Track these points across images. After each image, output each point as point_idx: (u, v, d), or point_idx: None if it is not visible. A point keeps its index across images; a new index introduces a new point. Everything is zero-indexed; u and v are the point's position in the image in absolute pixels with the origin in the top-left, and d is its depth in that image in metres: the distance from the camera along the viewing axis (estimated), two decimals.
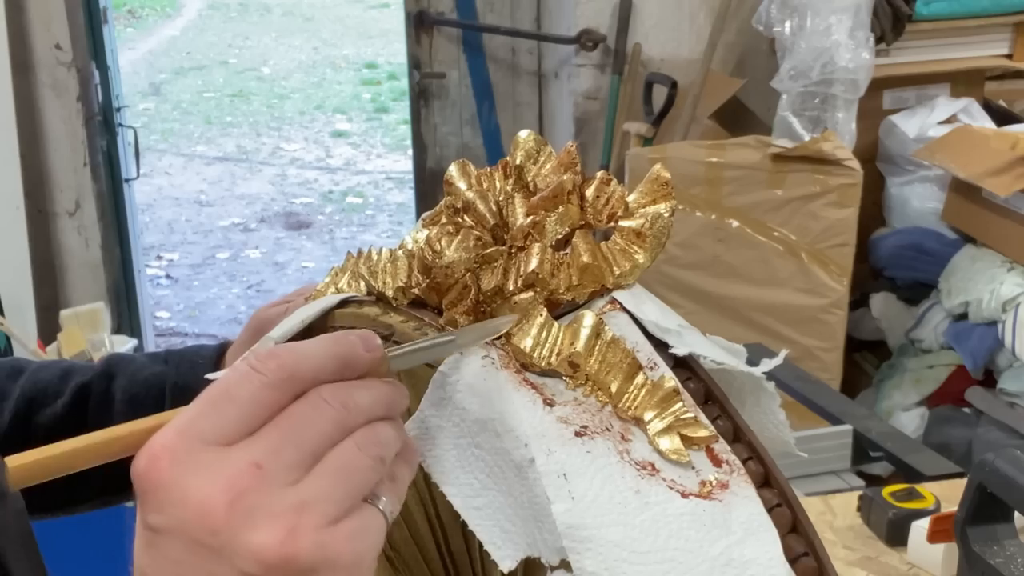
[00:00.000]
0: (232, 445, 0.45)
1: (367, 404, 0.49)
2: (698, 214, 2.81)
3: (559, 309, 0.55)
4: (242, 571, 0.44)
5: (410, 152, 3.90)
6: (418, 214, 3.56)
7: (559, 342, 0.52)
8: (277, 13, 11.11)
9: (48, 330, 3.06)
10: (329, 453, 0.47)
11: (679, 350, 0.54)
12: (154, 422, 0.48)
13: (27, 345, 2.77)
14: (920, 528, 1.21)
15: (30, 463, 0.47)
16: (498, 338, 0.54)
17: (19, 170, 3.07)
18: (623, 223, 0.57)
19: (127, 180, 3.53)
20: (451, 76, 3.53)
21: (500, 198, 0.57)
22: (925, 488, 1.31)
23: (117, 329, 3.33)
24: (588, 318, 0.53)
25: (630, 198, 0.57)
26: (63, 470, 0.48)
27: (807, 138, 2.77)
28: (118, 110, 3.48)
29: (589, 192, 0.57)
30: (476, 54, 3.51)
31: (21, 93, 3.08)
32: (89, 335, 2.89)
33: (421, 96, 3.56)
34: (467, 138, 3.60)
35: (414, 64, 3.53)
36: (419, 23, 3.47)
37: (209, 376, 0.51)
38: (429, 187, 3.64)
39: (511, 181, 0.58)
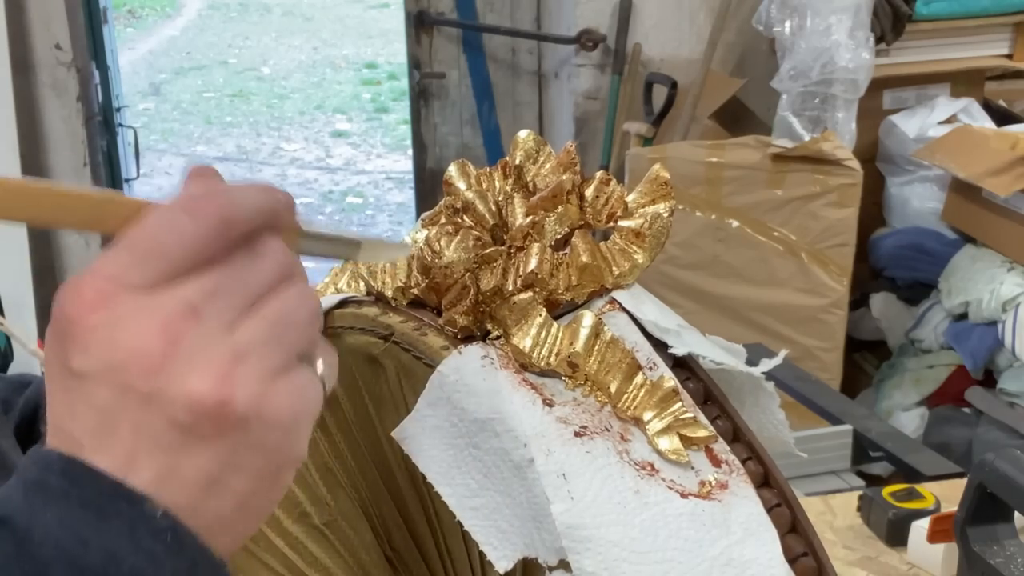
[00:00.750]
0: (163, 288, 0.42)
1: (299, 264, 0.47)
2: (698, 214, 2.81)
3: (558, 309, 0.55)
4: (173, 418, 0.42)
5: (410, 152, 3.90)
6: (418, 214, 3.56)
7: (558, 342, 0.52)
8: (277, 13, 11.11)
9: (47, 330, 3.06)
10: (265, 303, 0.44)
11: (678, 350, 0.54)
12: (126, 206, 0.44)
13: (27, 345, 2.76)
14: (920, 528, 1.21)
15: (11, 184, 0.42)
16: (497, 338, 0.54)
17: (19, 170, 3.07)
18: (622, 223, 0.57)
19: (127, 180, 3.53)
20: (451, 76, 3.53)
21: (499, 198, 0.57)
22: (925, 488, 1.31)
23: None
24: (587, 318, 0.53)
25: (629, 198, 0.57)
26: (34, 212, 0.43)
27: (807, 138, 2.77)
28: (118, 110, 3.48)
29: (588, 192, 0.57)
30: (476, 54, 3.51)
31: (21, 93, 3.08)
32: None
33: (421, 96, 3.56)
34: (467, 138, 3.60)
35: (414, 64, 3.53)
36: (419, 23, 3.47)
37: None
38: (429, 187, 3.64)
39: (510, 181, 0.58)
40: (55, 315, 0.43)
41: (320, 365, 0.46)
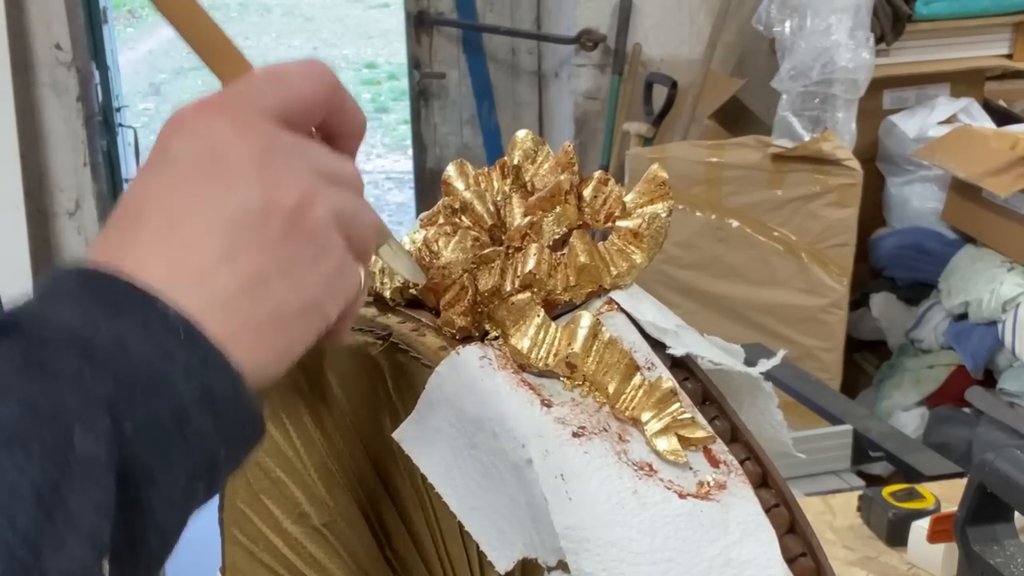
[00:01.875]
0: (278, 122, 0.46)
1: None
2: (698, 214, 2.81)
3: (557, 310, 0.55)
4: (247, 206, 0.44)
5: (410, 152, 3.90)
6: (418, 214, 3.55)
7: (556, 343, 0.52)
8: (277, 13, 11.11)
9: None
10: (346, 188, 0.48)
11: (676, 350, 0.54)
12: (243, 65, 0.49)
13: None
14: (920, 528, 1.21)
15: None
16: (495, 339, 0.54)
17: (19, 170, 3.07)
18: (620, 223, 0.57)
19: (127, 180, 3.53)
20: (451, 76, 3.52)
21: (498, 198, 0.57)
22: (925, 488, 1.31)
23: None
24: (585, 319, 0.53)
25: (627, 198, 0.57)
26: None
27: (807, 138, 2.77)
28: (118, 110, 3.48)
29: (587, 192, 0.57)
30: (476, 54, 3.51)
31: (21, 93, 3.08)
32: None
33: (421, 96, 3.56)
34: (467, 138, 3.60)
35: (414, 64, 3.53)
36: (419, 23, 3.47)
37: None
38: (429, 187, 3.64)
39: (509, 181, 0.58)
40: (180, 109, 0.46)
41: (363, 273, 0.49)
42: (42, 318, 0.40)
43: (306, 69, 0.48)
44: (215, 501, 0.63)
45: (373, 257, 0.58)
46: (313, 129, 0.50)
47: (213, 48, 0.48)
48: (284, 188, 0.44)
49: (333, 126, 0.49)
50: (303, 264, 0.44)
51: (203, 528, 0.63)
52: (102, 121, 3.37)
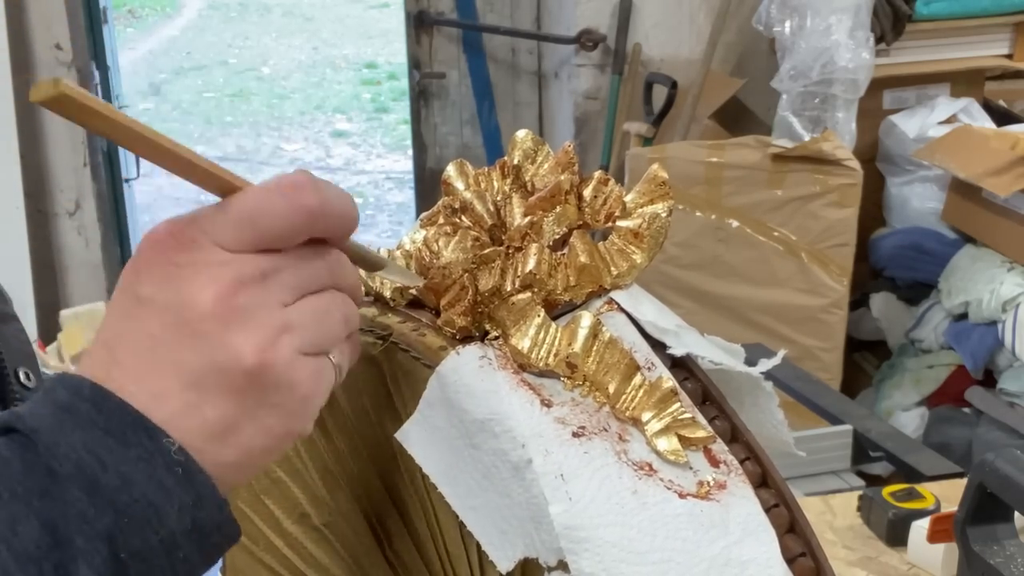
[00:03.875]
0: (243, 254, 0.47)
1: (354, 275, 0.53)
2: (698, 214, 2.81)
3: (557, 310, 0.55)
4: (213, 362, 0.46)
5: (410, 152, 3.90)
6: (418, 214, 3.56)
7: (557, 343, 0.52)
8: (277, 13, 11.10)
9: (48, 330, 3.06)
10: (314, 296, 0.50)
11: (677, 350, 0.54)
12: (234, 182, 0.49)
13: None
14: (920, 528, 1.21)
15: (80, 94, 0.45)
16: (495, 339, 0.54)
17: (19, 170, 3.07)
18: (620, 223, 0.56)
19: (127, 180, 3.53)
20: (451, 76, 3.52)
21: (498, 198, 0.57)
22: (925, 488, 1.31)
23: None
24: (586, 319, 0.53)
25: (627, 198, 0.57)
26: (103, 124, 0.47)
27: (807, 138, 2.77)
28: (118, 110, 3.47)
29: (587, 192, 0.57)
30: (476, 54, 3.51)
31: (21, 93, 3.08)
32: (89, 335, 2.89)
33: (421, 96, 3.56)
34: (467, 138, 3.60)
35: (414, 64, 3.53)
36: (419, 23, 3.47)
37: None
38: (429, 187, 3.64)
39: (509, 181, 0.58)
40: (141, 245, 0.48)
41: (337, 360, 0.51)
42: (56, 438, 0.44)
43: (283, 196, 0.48)
44: None
45: (390, 280, 0.60)
46: None
47: (209, 178, 0.49)
48: (246, 340, 0.46)
49: (318, 235, 0.50)
50: (269, 406, 0.48)
51: None
52: None
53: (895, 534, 1.25)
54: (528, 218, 0.55)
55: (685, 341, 0.54)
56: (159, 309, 0.46)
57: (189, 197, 6.62)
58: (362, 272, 0.63)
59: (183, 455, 0.45)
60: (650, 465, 0.49)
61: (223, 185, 0.48)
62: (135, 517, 0.44)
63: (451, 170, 0.59)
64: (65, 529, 0.43)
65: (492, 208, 0.56)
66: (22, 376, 0.71)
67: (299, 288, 0.49)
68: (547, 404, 0.51)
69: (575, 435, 0.49)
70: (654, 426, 0.50)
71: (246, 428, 0.47)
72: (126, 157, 3.51)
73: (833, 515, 1.32)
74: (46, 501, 0.43)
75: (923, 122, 2.91)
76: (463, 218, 0.57)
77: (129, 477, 0.44)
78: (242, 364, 0.46)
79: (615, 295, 0.56)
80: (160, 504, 0.45)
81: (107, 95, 3.39)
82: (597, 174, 0.58)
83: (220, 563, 0.76)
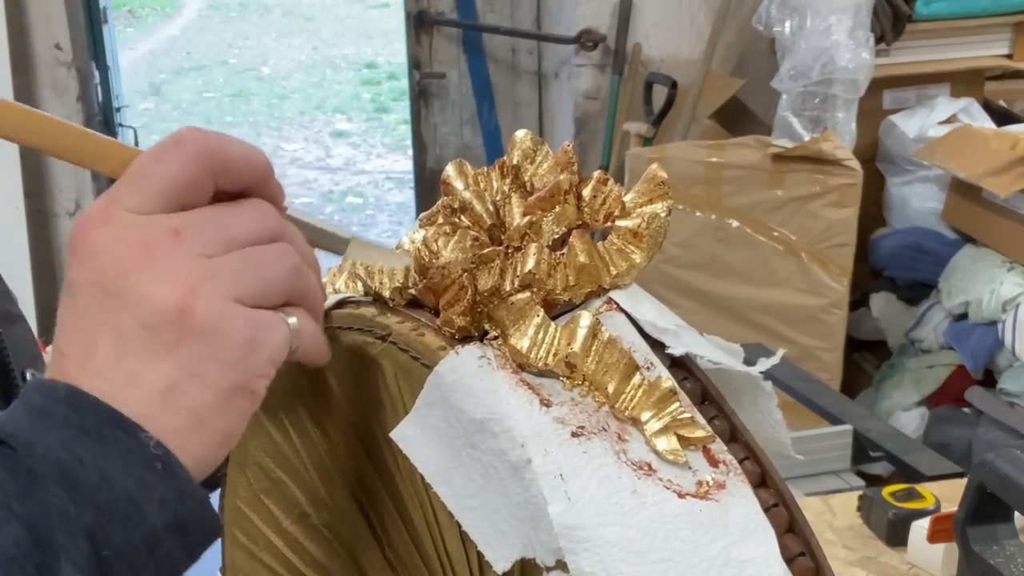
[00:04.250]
0: (154, 214, 0.47)
1: (291, 230, 0.52)
2: (698, 214, 2.81)
3: (556, 309, 0.55)
4: (140, 319, 0.46)
5: (410, 152, 3.90)
6: (418, 214, 3.55)
7: (556, 342, 0.52)
8: (277, 13, 11.10)
9: (48, 330, 3.06)
10: (250, 248, 0.49)
11: (676, 350, 0.54)
12: (126, 154, 0.49)
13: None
14: (920, 528, 1.21)
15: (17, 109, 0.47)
16: (494, 339, 0.54)
17: (19, 170, 3.07)
18: (620, 223, 0.56)
19: None
20: (451, 76, 3.53)
21: (497, 198, 0.57)
22: (925, 488, 1.31)
23: None
24: (585, 318, 0.53)
25: (627, 198, 0.57)
26: (33, 135, 0.48)
27: (807, 138, 2.77)
28: (118, 110, 3.48)
29: (586, 192, 0.57)
30: (476, 54, 3.51)
31: (21, 93, 3.08)
32: None
33: (421, 96, 3.56)
34: (467, 138, 3.60)
35: (414, 64, 3.53)
36: (419, 23, 3.47)
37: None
38: (429, 187, 3.64)
39: (508, 181, 0.58)
40: (70, 233, 0.48)
41: (294, 320, 0.50)
42: (32, 439, 0.44)
43: (174, 148, 0.48)
44: (216, 500, 0.63)
45: (362, 260, 0.58)
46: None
47: (83, 151, 0.49)
48: (164, 291, 0.46)
49: (229, 184, 0.50)
50: (205, 359, 0.47)
51: None
52: (102, 121, 3.38)
53: (895, 534, 1.26)
54: (527, 218, 0.55)
55: (684, 341, 0.54)
56: (83, 286, 0.47)
57: None
58: (361, 272, 0.63)
59: (161, 449, 0.45)
60: (649, 465, 0.49)
61: (113, 157, 0.49)
62: (116, 513, 0.44)
63: (450, 170, 0.59)
64: (47, 528, 0.43)
65: (491, 208, 0.56)
66: (29, 377, 0.71)
67: (225, 241, 0.48)
68: (546, 404, 0.51)
69: (574, 435, 0.49)
70: (653, 426, 0.50)
71: (187, 386, 0.46)
72: None
73: (833, 515, 1.33)
74: (27, 502, 0.43)
75: (923, 122, 2.91)
76: (462, 218, 0.57)
77: (108, 473, 0.44)
78: (163, 314, 0.46)
79: (614, 295, 0.56)
80: (140, 499, 0.44)
81: (107, 95, 3.40)
82: (596, 174, 0.58)
83: (220, 563, 0.76)
